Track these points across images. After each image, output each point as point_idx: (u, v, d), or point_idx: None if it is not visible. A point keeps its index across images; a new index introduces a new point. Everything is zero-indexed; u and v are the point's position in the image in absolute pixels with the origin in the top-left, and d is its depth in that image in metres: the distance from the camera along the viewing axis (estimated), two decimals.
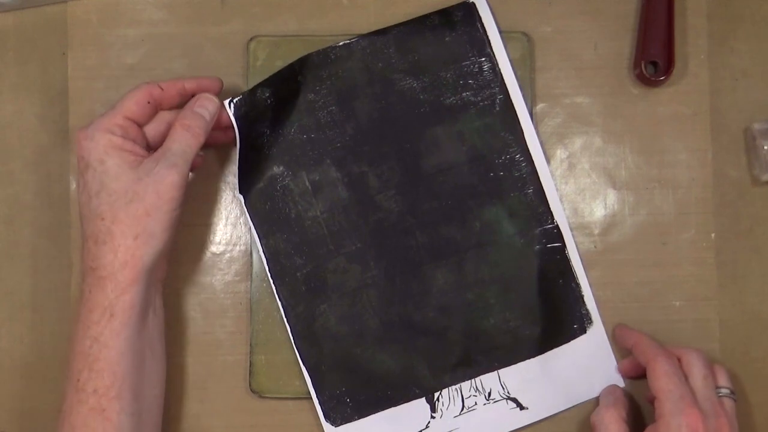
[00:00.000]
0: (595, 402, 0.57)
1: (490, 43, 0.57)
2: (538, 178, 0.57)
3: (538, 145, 0.57)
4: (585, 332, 0.57)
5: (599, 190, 0.60)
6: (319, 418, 0.57)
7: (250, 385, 0.58)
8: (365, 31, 0.58)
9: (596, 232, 0.59)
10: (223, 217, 0.60)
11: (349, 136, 0.57)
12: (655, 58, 0.58)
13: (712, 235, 0.59)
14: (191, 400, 0.59)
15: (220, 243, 0.60)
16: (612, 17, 0.60)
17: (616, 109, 0.60)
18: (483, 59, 0.57)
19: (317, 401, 0.57)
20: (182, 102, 0.54)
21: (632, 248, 0.59)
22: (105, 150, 0.50)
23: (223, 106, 0.56)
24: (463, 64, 0.57)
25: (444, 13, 0.57)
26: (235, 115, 0.56)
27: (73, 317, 0.50)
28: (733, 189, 0.59)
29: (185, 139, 0.52)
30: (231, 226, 0.60)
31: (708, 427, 0.49)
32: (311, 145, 0.57)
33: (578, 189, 0.60)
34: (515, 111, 0.57)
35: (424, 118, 0.57)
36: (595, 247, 0.59)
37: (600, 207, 0.60)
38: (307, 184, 0.57)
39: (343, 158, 0.57)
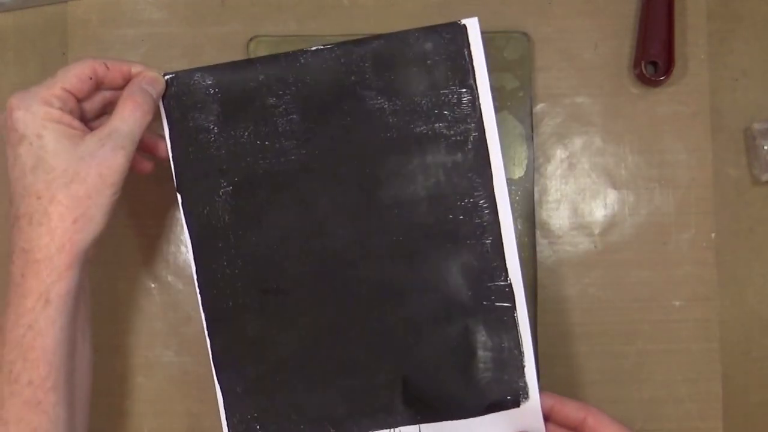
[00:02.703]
0: None
1: (474, 74, 0.51)
2: (500, 229, 0.51)
3: (506, 193, 0.51)
4: (518, 406, 0.51)
5: (599, 190, 0.60)
6: None
7: None
8: (365, 32, 0.59)
9: (596, 232, 0.59)
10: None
11: (306, 151, 0.52)
12: (655, 58, 0.58)
13: (712, 235, 0.59)
14: (191, 400, 0.59)
15: None
16: (612, 17, 0.60)
17: (616, 109, 0.60)
18: (464, 90, 0.51)
19: (226, 424, 0.53)
20: (123, 85, 0.50)
21: (632, 248, 0.59)
22: (42, 123, 0.47)
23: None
24: (442, 92, 0.51)
25: (431, 32, 0.51)
26: (165, 97, 0.52)
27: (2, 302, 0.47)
28: (733, 189, 0.59)
29: (135, 118, 0.48)
30: None
31: None
32: (263, 153, 0.52)
33: (578, 189, 0.60)
34: (488, 153, 0.51)
35: (389, 143, 0.52)
36: (595, 247, 0.59)
37: (600, 207, 0.60)
38: (253, 194, 0.52)
39: (296, 172, 0.52)
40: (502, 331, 0.52)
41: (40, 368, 0.46)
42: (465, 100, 0.51)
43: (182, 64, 0.60)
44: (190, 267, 0.52)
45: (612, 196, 0.60)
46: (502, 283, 0.52)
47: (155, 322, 0.60)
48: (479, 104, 0.51)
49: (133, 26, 0.60)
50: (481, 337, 0.52)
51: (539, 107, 0.60)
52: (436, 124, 0.52)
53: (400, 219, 0.52)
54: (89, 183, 0.46)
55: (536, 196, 0.59)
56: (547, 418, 0.51)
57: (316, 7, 0.60)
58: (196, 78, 0.52)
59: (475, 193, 0.52)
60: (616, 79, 0.60)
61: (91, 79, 0.49)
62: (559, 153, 0.60)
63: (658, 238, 0.59)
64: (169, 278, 0.60)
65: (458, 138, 0.52)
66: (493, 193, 0.51)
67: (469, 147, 0.52)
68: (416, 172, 0.52)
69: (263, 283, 0.53)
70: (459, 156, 0.52)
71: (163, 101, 0.52)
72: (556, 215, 0.60)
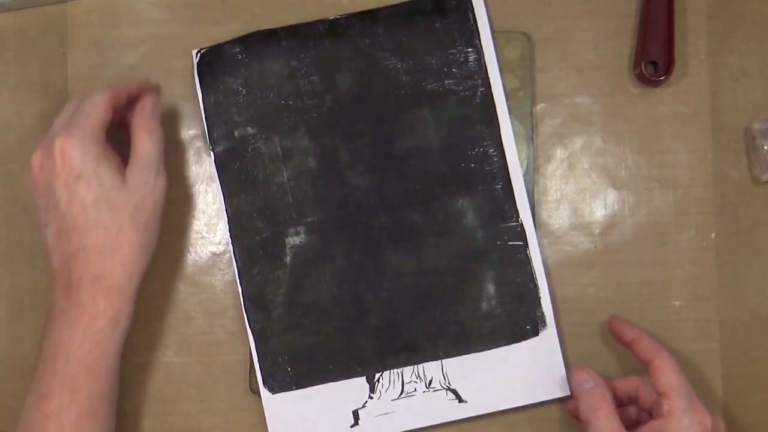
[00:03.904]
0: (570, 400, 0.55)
1: (479, 36, 0.58)
2: (508, 174, 0.57)
3: (513, 141, 0.57)
4: (537, 334, 0.57)
5: (599, 190, 0.60)
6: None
7: (250, 385, 0.58)
8: None
9: (596, 232, 0.59)
10: (224, 217, 0.59)
11: (326, 108, 0.58)
12: (655, 58, 0.58)
13: (712, 235, 0.59)
14: (191, 400, 0.59)
15: (220, 243, 0.60)
16: (612, 17, 0.60)
17: (616, 109, 0.60)
18: (470, 50, 0.58)
19: (258, 366, 0.57)
20: (127, 104, 0.55)
21: (632, 248, 0.59)
22: (98, 161, 0.51)
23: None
24: (450, 52, 0.58)
25: (438, 0, 0.58)
26: (198, 64, 0.58)
27: (60, 318, 0.52)
28: (733, 189, 0.59)
29: (155, 143, 0.53)
30: None
31: (713, 426, 0.49)
32: (288, 111, 0.58)
33: (578, 189, 0.60)
34: (494, 105, 0.57)
35: (403, 100, 0.58)
36: (595, 247, 0.59)
37: (600, 207, 0.60)
38: (279, 149, 0.58)
39: (317, 129, 0.58)
40: (516, 268, 0.57)
41: (101, 382, 0.51)
42: (471, 58, 0.58)
43: (182, 64, 0.60)
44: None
45: (612, 196, 0.60)
46: (514, 223, 0.57)
47: (155, 322, 0.60)
48: (484, 62, 0.58)
49: (133, 26, 0.60)
50: (497, 274, 0.57)
51: (539, 107, 0.60)
52: (446, 81, 0.58)
53: (415, 169, 0.58)
54: (148, 211, 0.52)
55: (536, 196, 0.59)
56: (627, 346, 0.54)
57: (316, 6, 0.60)
58: (225, 48, 0.58)
59: (485, 143, 0.57)
60: (616, 79, 0.60)
61: (113, 109, 0.53)
62: (559, 153, 0.60)
63: (658, 238, 0.59)
64: (170, 279, 0.60)
65: (466, 93, 0.58)
66: (501, 142, 0.58)
67: (477, 101, 0.58)
68: (429, 125, 0.58)
69: (288, 229, 0.58)
70: (468, 109, 0.58)
71: (199, 69, 0.58)
72: (556, 215, 0.60)
